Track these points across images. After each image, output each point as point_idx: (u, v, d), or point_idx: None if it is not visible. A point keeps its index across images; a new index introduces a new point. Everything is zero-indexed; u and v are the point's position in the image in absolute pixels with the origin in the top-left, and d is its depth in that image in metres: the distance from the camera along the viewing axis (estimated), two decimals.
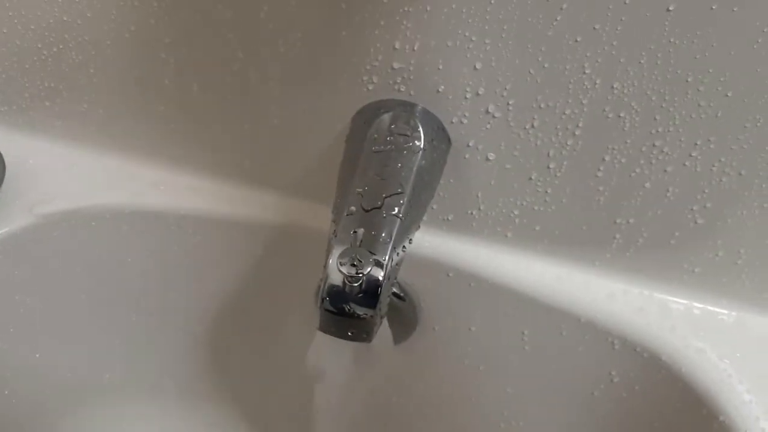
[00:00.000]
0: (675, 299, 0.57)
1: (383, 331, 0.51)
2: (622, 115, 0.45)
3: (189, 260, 0.61)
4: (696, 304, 0.57)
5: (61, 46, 0.52)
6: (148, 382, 0.72)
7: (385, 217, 0.44)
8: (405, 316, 0.60)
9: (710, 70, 0.42)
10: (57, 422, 0.68)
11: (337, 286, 0.42)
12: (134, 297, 0.64)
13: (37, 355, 0.63)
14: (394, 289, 0.60)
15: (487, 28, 0.43)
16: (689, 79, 0.43)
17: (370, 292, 0.42)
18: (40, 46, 0.53)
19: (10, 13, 0.52)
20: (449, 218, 0.56)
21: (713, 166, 0.47)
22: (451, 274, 0.57)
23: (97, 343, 0.67)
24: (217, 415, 0.75)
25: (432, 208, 0.55)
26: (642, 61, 0.42)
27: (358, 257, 0.42)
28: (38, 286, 0.60)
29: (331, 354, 0.57)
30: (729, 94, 0.43)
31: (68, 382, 0.67)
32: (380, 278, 0.42)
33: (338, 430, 0.70)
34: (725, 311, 0.56)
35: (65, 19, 0.50)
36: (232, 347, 0.69)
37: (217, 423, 0.76)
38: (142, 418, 0.74)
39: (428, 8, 0.43)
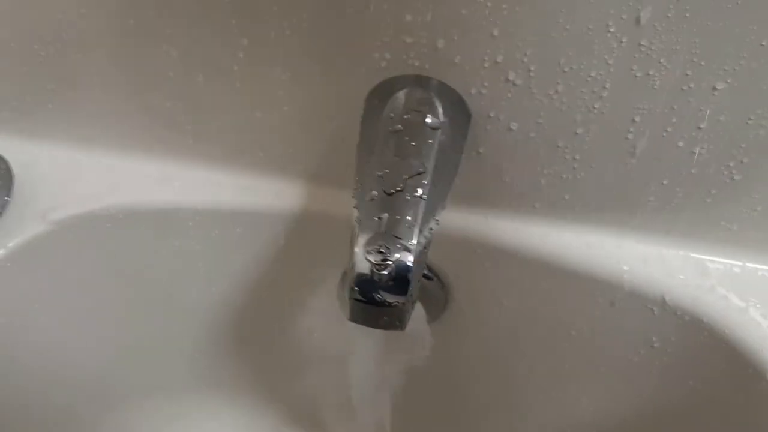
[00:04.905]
0: (713, 258, 0.55)
1: (416, 312, 0.50)
2: (651, 73, 0.43)
3: (209, 255, 0.60)
4: (735, 262, 0.55)
5: (59, 46, 0.50)
6: (178, 381, 0.72)
7: (408, 200, 0.42)
8: (435, 297, 0.59)
9: (744, 19, 0.40)
10: (89, 428, 0.67)
11: (366, 274, 0.40)
12: (157, 297, 0.63)
13: (63, 363, 0.63)
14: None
15: None
16: (721, 30, 0.40)
17: (401, 279, 0.40)
18: (36, 47, 0.51)
19: (2, 16, 0.50)
20: (474, 193, 0.54)
21: (749, 119, 0.45)
22: (479, 251, 0.56)
23: (123, 346, 0.66)
24: (248, 408, 0.75)
25: (456, 184, 0.53)
26: (669, 15, 0.40)
27: (384, 244, 0.40)
28: (57, 294, 0.59)
29: (362, 339, 0.56)
30: (764, 44, 0.41)
31: (96, 387, 0.67)
32: (409, 264, 0.40)
33: (374, 413, 0.69)
34: (766, 267, 0.55)
35: (60, 17, 0.48)
36: (258, 341, 0.68)
37: (250, 416, 0.75)
38: (175, 418, 0.74)
39: None
